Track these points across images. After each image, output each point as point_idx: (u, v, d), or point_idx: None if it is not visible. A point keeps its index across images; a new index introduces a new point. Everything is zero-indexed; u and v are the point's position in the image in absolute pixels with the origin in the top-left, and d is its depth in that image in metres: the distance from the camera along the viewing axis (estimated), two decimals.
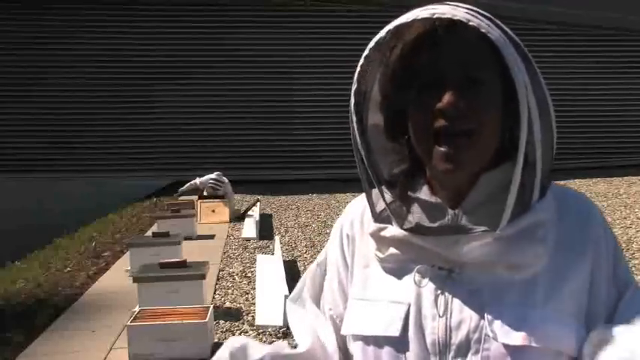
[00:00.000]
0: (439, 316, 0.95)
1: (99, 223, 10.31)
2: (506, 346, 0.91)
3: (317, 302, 1.15)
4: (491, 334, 0.92)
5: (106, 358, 4.49)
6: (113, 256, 7.75)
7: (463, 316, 0.94)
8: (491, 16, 0.92)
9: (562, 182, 12.27)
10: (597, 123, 14.74)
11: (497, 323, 0.92)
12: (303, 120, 14.24)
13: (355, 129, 1.01)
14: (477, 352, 0.93)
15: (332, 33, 14.02)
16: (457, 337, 0.94)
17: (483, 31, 0.89)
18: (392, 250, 1.01)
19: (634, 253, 6.61)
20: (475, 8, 0.92)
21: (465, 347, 0.93)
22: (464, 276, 0.95)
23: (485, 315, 0.93)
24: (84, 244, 8.61)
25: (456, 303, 0.95)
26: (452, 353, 0.94)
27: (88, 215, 10.57)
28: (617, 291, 0.98)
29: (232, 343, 1.03)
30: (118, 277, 6.69)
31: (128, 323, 4.42)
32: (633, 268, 6.05)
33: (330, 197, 12.01)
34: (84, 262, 7.54)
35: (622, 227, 8.08)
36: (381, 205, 1.03)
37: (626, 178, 12.98)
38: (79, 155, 13.81)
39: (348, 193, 12.10)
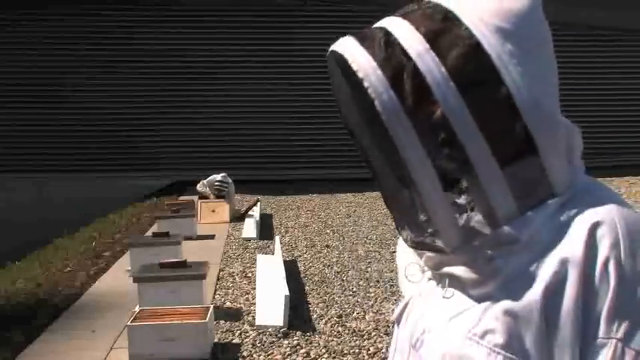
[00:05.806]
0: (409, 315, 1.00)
1: (99, 223, 10.30)
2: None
3: None
4: (423, 343, 0.94)
5: (106, 358, 4.50)
6: (113, 256, 7.74)
7: (420, 319, 0.96)
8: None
9: None
10: (596, 123, 14.72)
11: (431, 337, 0.93)
12: (303, 120, 14.23)
13: None
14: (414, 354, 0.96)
15: (332, 33, 13.96)
16: (414, 335, 0.97)
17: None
18: None
19: None
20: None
21: (413, 346, 0.97)
22: (442, 284, 0.95)
23: (430, 326, 0.94)
24: (84, 244, 8.61)
25: (427, 305, 0.96)
26: (417, 346, 0.97)
27: (88, 215, 10.57)
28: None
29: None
30: (118, 277, 6.69)
31: (128, 323, 4.42)
32: None
33: (330, 197, 12.00)
34: (84, 262, 7.54)
35: None
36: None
37: (626, 178, 12.95)
38: (78, 155, 13.80)
39: (348, 193, 12.10)
